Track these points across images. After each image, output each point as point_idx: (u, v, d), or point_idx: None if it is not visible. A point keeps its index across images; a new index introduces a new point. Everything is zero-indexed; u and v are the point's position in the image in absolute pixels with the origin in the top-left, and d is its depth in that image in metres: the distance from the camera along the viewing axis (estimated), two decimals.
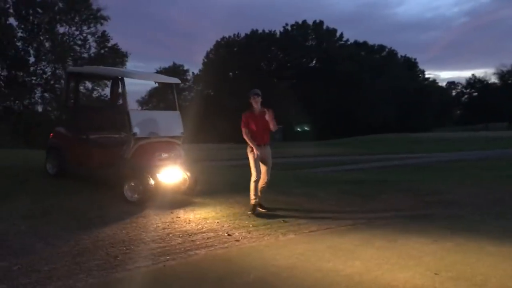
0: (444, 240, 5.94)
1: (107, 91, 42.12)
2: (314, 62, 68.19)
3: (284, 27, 66.44)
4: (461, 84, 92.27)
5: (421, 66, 77.96)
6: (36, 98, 41.82)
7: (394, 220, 7.23)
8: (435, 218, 7.46)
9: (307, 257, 5.14)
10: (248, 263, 4.93)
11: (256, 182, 7.16)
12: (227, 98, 58.24)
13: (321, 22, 66.37)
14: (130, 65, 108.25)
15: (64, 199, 6.87)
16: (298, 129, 57.94)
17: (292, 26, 66.24)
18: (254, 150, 7.09)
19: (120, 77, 7.19)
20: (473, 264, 4.95)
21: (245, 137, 7.15)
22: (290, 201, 8.41)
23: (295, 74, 66.04)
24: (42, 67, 42.16)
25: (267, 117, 7.07)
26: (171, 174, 7.22)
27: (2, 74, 40.31)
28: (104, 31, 43.32)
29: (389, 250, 5.47)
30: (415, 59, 75.79)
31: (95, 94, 41.73)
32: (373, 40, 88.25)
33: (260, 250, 5.44)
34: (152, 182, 6.82)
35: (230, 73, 64.73)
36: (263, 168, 7.22)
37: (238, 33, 67.13)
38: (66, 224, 5.93)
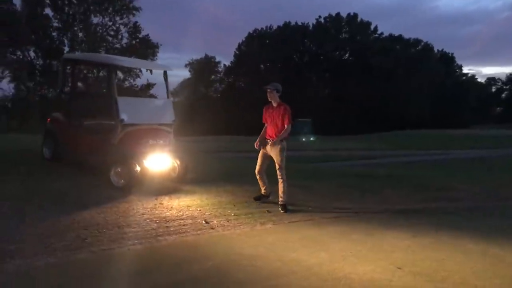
0: (423, 236, 5.81)
1: (138, 81, 42.98)
2: (347, 55, 67.35)
3: (317, 19, 65.94)
4: (501, 80, 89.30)
5: (460, 61, 75.96)
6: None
7: (382, 215, 7.12)
8: (427, 214, 7.29)
9: (274, 247, 5.11)
10: (213, 250, 4.93)
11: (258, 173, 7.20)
12: (258, 90, 58.19)
13: (355, 15, 65.44)
14: (162, 56, 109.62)
15: (52, 183, 7.05)
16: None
17: (325, 18, 65.60)
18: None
19: (109, 64, 7.30)
20: (443, 260, 4.82)
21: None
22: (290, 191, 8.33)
23: (327, 67, 65.44)
24: None
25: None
26: (158, 161, 7.28)
27: (38, 63, 41.48)
28: (136, 22, 44.04)
29: (362, 243, 5.38)
30: (452, 54, 73.83)
31: (126, 83, 42.50)
32: (409, 34, 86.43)
33: (231, 238, 5.43)
34: (138, 168, 6.90)
35: (262, 65, 64.65)
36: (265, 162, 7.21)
37: (270, 25, 66.98)
38: (48, 206, 6.07)
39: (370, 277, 4.25)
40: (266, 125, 7.16)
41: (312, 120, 52.69)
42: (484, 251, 5.22)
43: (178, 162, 7.58)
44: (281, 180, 7.00)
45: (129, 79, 42.71)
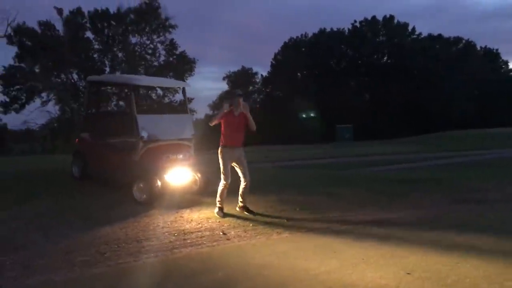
0: (442, 240, 5.72)
1: (178, 96, 43.90)
2: (385, 58, 66.27)
3: (352, 24, 65.20)
4: None
5: (505, 57, 73.13)
6: (113, 106, 44.25)
7: (403, 220, 7.00)
8: (450, 218, 7.13)
9: (286, 256, 5.16)
10: (225, 261, 5.04)
11: (225, 186, 7.03)
12: (295, 99, 58.24)
13: (392, 17, 64.32)
14: (201, 70, 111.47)
15: (79, 200, 7.38)
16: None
17: (361, 22, 64.77)
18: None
19: (128, 84, 7.60)
20: (456, 264, 4.75)
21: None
22: (309, 201, 8.36)
23: (366, 72, 64.64)
24: None
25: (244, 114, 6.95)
26: (179, 175, 7.48)
27: (81, 84, 43.05)
28: (172, 39, 45.06)
29: (376, 250, 5.35)
30: (497, 49, 71.15)
31: (166, 99, 43.51)
32: (450, 33, 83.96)
33: (245, 249, 5.52)
34: (159, 183, 7.12)
35: (298, 74, 64.58)
36: (239, 170, 7.11)
37: (305, 33, 66.87)
38: (73, 222, 6.37)
39: (377, 284, 4.25)
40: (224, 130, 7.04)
41: (353, 126, 52.30)
42: (501, 254, 5.09)
43: (199, 175, 7.76)
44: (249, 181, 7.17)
45: (168, 95, 43.62)
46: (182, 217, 6.86)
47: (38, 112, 40.65)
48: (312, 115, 57.25)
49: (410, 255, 5.10)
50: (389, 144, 37.14)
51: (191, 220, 6.73)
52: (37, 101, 42.13)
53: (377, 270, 4.62)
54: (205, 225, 6.51)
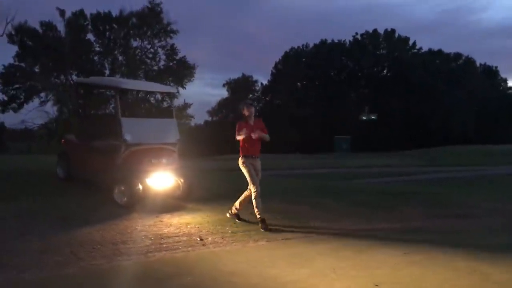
0: (416, 253, 5.74)
1: (176, 102, 43.79)
2: (385, 71, 66.54)
3: (353, 36, 65.51)
4: None
5: (504, 74, 73.32)
6: (111, 109, 44.31)
7: (382, 232, 7.04)
8: (429, 231, 7.19)
9: (258, 264, 5.17)
10: (197, 266, 5.05)
11: (257, 194, 6.85)
12: (295, 108, 58.41)
13: (393, 30, 64.69)
14: (203, 76, 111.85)
15: (60, 201, 7.40)
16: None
17: (362, 35, 65.10)
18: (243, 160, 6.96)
19: (114, 87, 7.65)
20: (427, 278, 4.77)
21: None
22: (292, 209, 8.39)
23: (366, 84, 64.89)
24: None
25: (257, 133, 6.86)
26: (161, 180, 7.51)
27: None
28: (173, 44, 45.21)
29: (349, 260, 5.38)
30: (496, 67, 71.51)
31: (164, 104, 43.53)
32: (450, 48, 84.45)
33: (219, 255, 5.53)
34: (140, 186, 7.14)
35: (298, 83, 64.77)
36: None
37: (306, 43, 67.14)
38: (51, 223, 6.37)
39: None
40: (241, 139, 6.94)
41: (351, 137, 52.39)
42: (473, 268, 5.11)
43: (182, 180, 7.78)
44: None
45: (167, 99, 43.67)
46: (162, 221, 6.87)
47: (36, 112, 40.75)
48: (311, 125, 57.41)
49: (383, 267, 5.12)
50: (386, 157, 37.22)
51: (170, 224, 6.75)
52: (36, 101, 42.28)
53: (346, 280, 4.64)
54: (184, 230, 6.53)
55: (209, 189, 9.25)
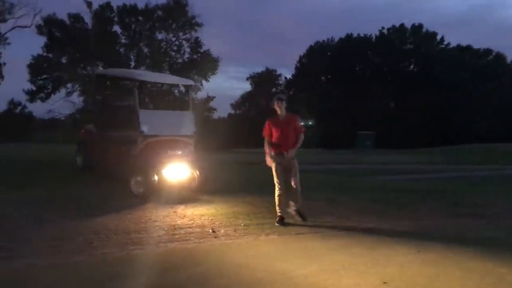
0: (428, 252, 5.63)
1: (200, 94, 44.01)
2: (412, 66, 65.52)
3: (380, 30, 64.64)
4: None
5: None
6: (131, 101, 44.78)
7: (396, 229, 6.94)
8: (444, 230, 7.05)
9: (267, 257, 5.17)
10: (206, 258, 5.08)
11: (281, 195, 6.78)
12: (318, 102, 58.09)
13: (420, 25, 63.56)
14: (229, 69, 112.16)
15: (76, 190, 7.55)
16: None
17: (388, 29, 64.18)
18: (268, 157, 6.82)
19: (132, 79, 7.74)
20: (437, 277, 4.68)
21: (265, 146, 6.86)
22: (307, 205, 8.29)
23: (392, 80, 64.03)
24: None
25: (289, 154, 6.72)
26: (177, 171, 7.58)
27: None
28: (197, 37, 45.43)
29: (359, 257, 5.31)
30: None
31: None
32: (480, 44, 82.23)
33: (229, 247, 5.55)
34: (155, 177, 7.23)
35: (323, 78, 64.35)
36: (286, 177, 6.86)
37: (332, 37, 66.57)
38: (67, 211, 6.52)
39: None
40: (267, 138, 6.87)
41: (375, 133, 51.85)
42: (487, 269, 5.00)
43: (198, 173, 7.84)
44: (298, 188, 6.85)
45: (191, 92, 43.92)
46: (176, 212, 6.94)
47: (62, 102, 41.57)
48: (334, 120, 56.99)
49: (393, 265, 5.06)
50: (409, 154, 36.75)
51: (184, 216, 6.81)
52: (63, 91, 43.12)
53: (355, 277, 4.59)
54: (197, 222, 6.58)
55: (226, 182, 9.29)
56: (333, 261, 5.09)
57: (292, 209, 6.92)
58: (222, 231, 6.23)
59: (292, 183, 6.83)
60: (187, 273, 4.55)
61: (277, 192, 6.81)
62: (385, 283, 4.44)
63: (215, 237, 5.96)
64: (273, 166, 6.81)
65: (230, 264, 4.87)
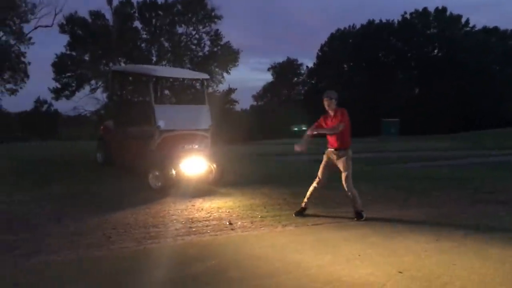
0: (447, 240, 5.57)
1: (220, 87, 44.13)
2: (436, 51, 64.21)
3: (402, 15, 63.43)
4: None
5: None
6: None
7: (415, 218, 6.86)
8: (464, 218, 6.94)
9: (282, 248, 5.19)
10: (222, 250, 5.13)
11: (315, 189, 6.82)
12: (341, 91, 57.50)
13: (444, 9, 62.15)
14: (249, 60, 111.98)
15: (96, 185, 7.69)
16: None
17: (411, 14, 62.96)
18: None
19: (147, 74, 7.82)
20: (454, 266, 4.63)
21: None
22: (326, 194, 8.28)
23: (416, 65, 62.94)
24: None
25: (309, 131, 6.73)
26: (194, 165, 7.64)
27: None
28: (217, 29, 45.45)
29: (376, 247, 5.29)
30: None
31: (209, 90, 44.02)
32: (508, 25, 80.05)
33: (246, 239, 5.59)
34: (173, 172, 7.30)
35: (345, 66, 63.67)
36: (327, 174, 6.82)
37: (353, 24, 65.71)
38: (87, 206, 6.64)
39: (365, 280, 4.21)
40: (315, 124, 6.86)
41: (399, 120, 51.13)
42: (506, 257, 4.92)
43: (215, 166, 7.89)
44: (351, 191, 6.75)
45: (212, 85, 44.10)
46: (193, 206, 7.01)
47: (87, 99, 42.25)
48: (358, 107, 56.36)
49: (410, 254, 5.01)
50: (434, 140, 36.13)
51: (202, 209, 6.87)
52: (87, 88, 43.80)
53: (370, 267, 4.57)
54: (214, 214, 6.63)
55: (243, 174, 9.33)
56: (349, 252, 5.07)
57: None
58: (239, 223, 6.26)
59: (344, 186, 6.71)
60: (204, 265, 4.60)
61: (313, 184, 6.85)
62: (400, 272, 4.41)
63: (232, 229, 5.99)
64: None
65: (246, 255, 4.90)
